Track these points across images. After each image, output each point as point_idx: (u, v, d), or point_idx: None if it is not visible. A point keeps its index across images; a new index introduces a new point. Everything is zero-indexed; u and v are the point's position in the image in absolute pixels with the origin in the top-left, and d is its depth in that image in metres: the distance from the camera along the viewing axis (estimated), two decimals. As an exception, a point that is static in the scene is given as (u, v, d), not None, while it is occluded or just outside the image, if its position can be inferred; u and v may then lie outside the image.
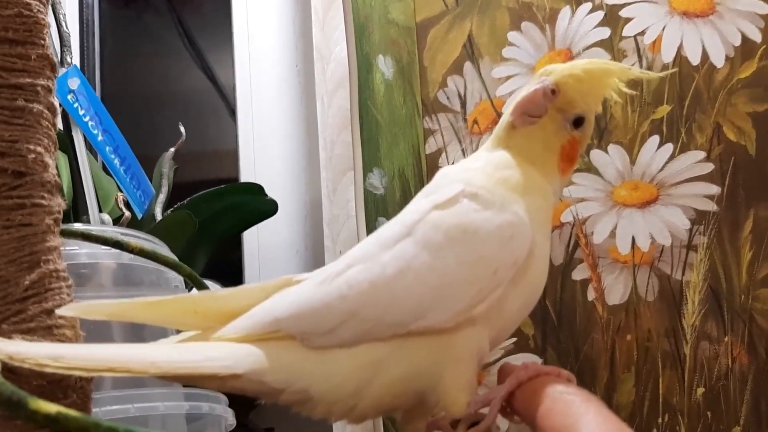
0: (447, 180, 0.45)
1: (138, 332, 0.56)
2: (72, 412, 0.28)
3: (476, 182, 0.43)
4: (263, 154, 1.12)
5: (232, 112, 1.19)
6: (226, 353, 0.40)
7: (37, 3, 0.44)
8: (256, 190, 0.90)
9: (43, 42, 0.44)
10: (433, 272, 0.40)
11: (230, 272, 1.12)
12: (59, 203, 0.45)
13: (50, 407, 0.28)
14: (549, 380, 0.38)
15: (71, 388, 0.42)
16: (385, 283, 0.40)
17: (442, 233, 0.41)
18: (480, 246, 0.40)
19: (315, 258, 1.07)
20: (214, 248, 0.94)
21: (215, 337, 0.42)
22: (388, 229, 0.43)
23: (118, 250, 0.55)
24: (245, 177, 1.11)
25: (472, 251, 0.40)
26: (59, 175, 0.46)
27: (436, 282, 0.40)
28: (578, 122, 0.46)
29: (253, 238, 1.10)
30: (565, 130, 0.46)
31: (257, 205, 0.91)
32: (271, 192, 0.93)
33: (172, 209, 0.82)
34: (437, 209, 0.42)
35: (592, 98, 0.46)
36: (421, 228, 0.41)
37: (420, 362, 0.40)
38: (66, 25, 0.72)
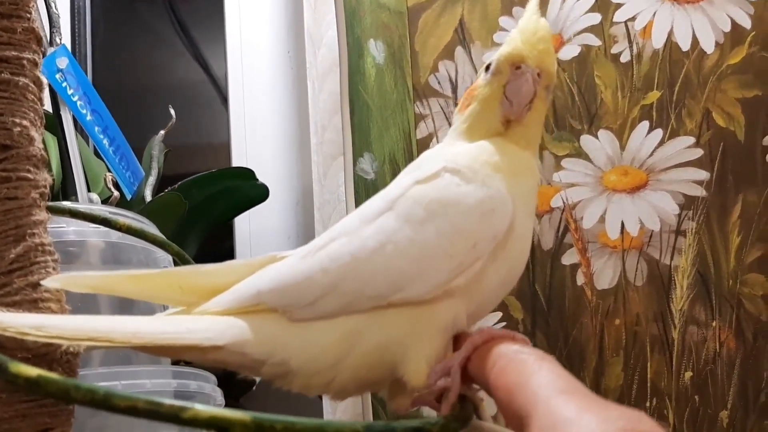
0: (429, 160, 0.45)
1: (126, 311, 0.56)
2: (53, 375, 0.28)
3: (460, 161, 0.43)
4: (255, 140, 1.11)
5: (224, 101, 1.19)
6: (208, 325, 0.40)
7: (23, -24, 0.43)
8: (247, 174, 0.90)
9: (28, 15, 0.44)
10: (414, 245, 0.40)
11: (222, 260, 1.11)
12: (45, 177, 0.45)
13: (31, 371, 0.28)
14: (503, 342, 0.38)
15: (56, 362, 0.41)
16: (365, 256, 0.40)
17: (422, 207, 0.41)
18: (460, 219, 0.41)
19: (306, 243, 1.06)
20: (205, 234, 0.94)
21: (198, 311, 0.42)
22: (371, 204, 0.43)
23: (106, 229, 0.55)
24: (237, 163, 1.10)
25: (452, 224, 0.40)
26: (48, 157, 0.46)
27: (416, 255, 0.40)
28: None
29: (245, 225, 1.10)
30: (548, 99, 0.46)
31: (248, 190, 0.91)
32: (262, 178, 0.93)
33: (162, 193, 0.81)
34: (419, 184, 0.42)
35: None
36: (403, 202, 0.42)
37: (395, 332, 0.40)
38: (55, 6, 0.72)
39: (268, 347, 0.40)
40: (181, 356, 0.41)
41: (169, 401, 0.27)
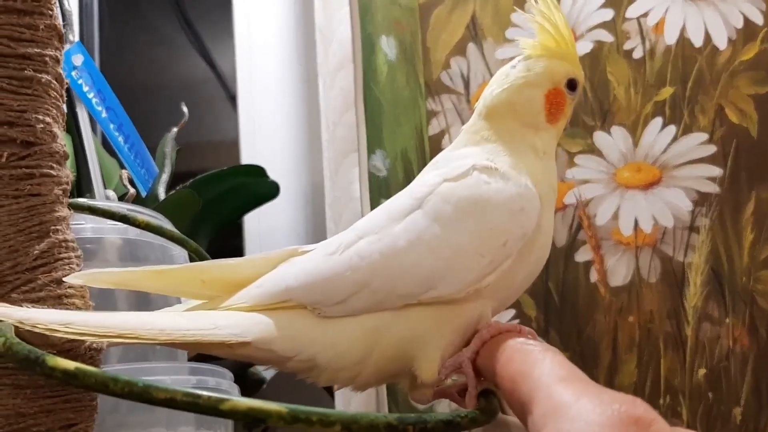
0: (453, 159, 0.45)
1: (143, 307, 0.56)
2: (91, 368, 0.28)
3: (490, 159, 0.44)
4: (264, 137, 1.11)
5: (232, 98, 1.19)
6: (235, 321, 0.40)
7: (45, -27, 0.43)
8: (258, 172, 0.90)
9: (51, 12, 0.44)
10: (445, 244, 0.41)
11: (231, 257, 1.11)
12: (67, 174, 0.45)
13: (69, 363, 0.28)
14: (510, 336, 0.39)
15: (81, 357, 0.42)
16: (396, 254, 0.41)
17: (452, 205, 0.41)
18: (490, 218, 0.41)
19: (317, 240, 1.06)
20: (216, 231, 0.94)
21: (224, 306, 0.42)
22: (398, 201, 0.43)
23: (123, 226, 0.55)
24: (246, 161, 1.11)
25: (483, 223, 0.41)
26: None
27: (447, 253, 0.40)
28: None
29: (254, 222, 1.10)
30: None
31: (259, 187, 0.91)
32: (272, 175, 0.93)
33: (174, 190, 0.81)
34: (448, 182, 0.42)
35: None
36: (432, 200, 0.42)
37: (420, 329, 0.41)
38: (68, 3, 0.72)
39: (295, 343, 0.40)
40: (207, 351, 0.41)
41: (207, 393, 0.27)
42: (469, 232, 0.40)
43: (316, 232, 1.08)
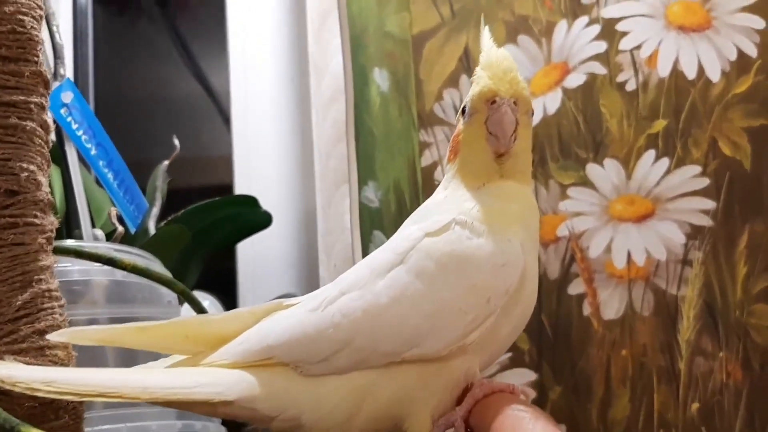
0: (437, 209, 0.45)
1: (131, 352, 0.55)
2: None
3: (469, 212, 0.43)
4: (258, 165, 1.11)
5: (226, 121, 1.19)
6: (217, 379, 0.40)
7: (31, 19, 0.43)
8: (251, 202, 0.90)
9: (36, 59, 0.44)
10: (427, 301, 0.40)
11: (224, 284, 1.11)
12: (52, 221, 0.45)
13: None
14: (503, 397, 0.39)
15: (63, 409, 0.41)
16: (379, 311, 0.40)
17: (434, 261, 0.41)
18: (473, 274, 0.41)
19: (309, 271, 1.06)
20: (208, 260, 0.94)
21: (206, 363, 0.42)
22: (380, 255, 0.43)
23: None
24: (239, 187, 1.11)
25: (465, 280, 0.40)
26: (52, 190, 0.46)
27: (430, 311, 0.40)
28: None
29: (248, 250, 1.10)
30: (530, 125, 0.46)
31: (251, 217, 0.91)
32: (265, 204, 0.93)
33: (165, 221, 0.81)
34: (429, 236, 0.42)
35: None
36: (414, 256, 0.41)
37: (407, 388, 0.40)
38: (60, 37, 0.72)
39: (279, 402, 0.40)
40: (190, 410, 0.40)
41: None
42: (451, 289, 0.40)
43: (309, 261, 1.08)
